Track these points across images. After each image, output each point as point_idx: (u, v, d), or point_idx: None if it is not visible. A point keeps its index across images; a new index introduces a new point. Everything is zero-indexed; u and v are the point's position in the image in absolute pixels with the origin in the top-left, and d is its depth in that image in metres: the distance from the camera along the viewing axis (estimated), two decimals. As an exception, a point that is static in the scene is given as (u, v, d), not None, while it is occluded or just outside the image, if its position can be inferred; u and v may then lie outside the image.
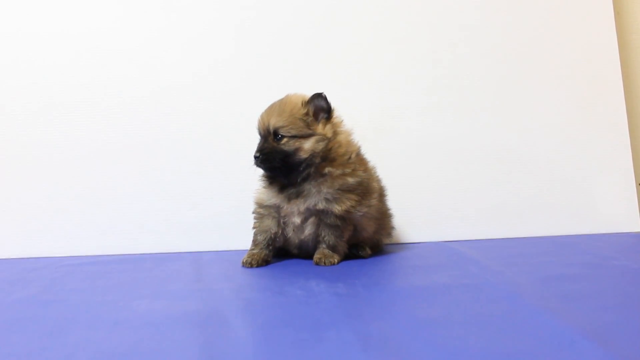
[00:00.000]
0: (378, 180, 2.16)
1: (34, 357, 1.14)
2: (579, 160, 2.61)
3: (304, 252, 2.09)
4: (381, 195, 2.17)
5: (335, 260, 1.97)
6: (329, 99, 1.97)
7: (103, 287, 1.74)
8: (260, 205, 2.05)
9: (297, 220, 1.99)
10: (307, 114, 1.95)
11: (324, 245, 2.00)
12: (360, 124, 2.31)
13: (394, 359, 1.07)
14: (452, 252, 2.16)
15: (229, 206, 2.40)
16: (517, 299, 1.45)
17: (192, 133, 2.44)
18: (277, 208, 2.01)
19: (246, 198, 2.12)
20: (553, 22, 2.64)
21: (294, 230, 2.02)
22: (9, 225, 2.36)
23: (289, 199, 1.97)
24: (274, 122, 1.93)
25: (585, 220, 2.57)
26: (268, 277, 1.84)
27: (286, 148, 1.92)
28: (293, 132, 1.92)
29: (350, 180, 1.97)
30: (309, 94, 1.97)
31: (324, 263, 1.95)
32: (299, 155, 1.92)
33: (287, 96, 2.01)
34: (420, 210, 2.51)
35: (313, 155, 1.93)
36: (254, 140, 1.99)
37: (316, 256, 1.99)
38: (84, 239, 2.37)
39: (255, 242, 2.05)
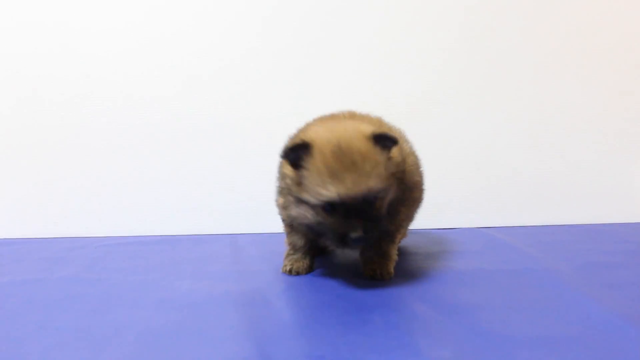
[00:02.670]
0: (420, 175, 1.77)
1: (83, 334, 1.17)
2: (618, 147, 2.55)
3: None
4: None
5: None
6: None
7: (144, 267, 1.76)
8: (287, 220, 1.60)
9: None
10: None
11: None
12: (397, 109, 2.30)
13: (439, 343, 1.07)
14: (489, 238, 2.14)
15: (264, 189, 2.40)
16: (560, 285, 1.44)
17: (229, 118, 2.44)
18: None
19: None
20: (589, 8, 2.58)
21: None
22: (47, 205, 2.41)
23: None
24: (374, 185, 1.30)
25: (624, 208, 2.52)
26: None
27: (383, 213, 1.39)
28: (387, 191, 1.39)
29: None
30: (363, 126, 1.42)
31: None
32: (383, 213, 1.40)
33: (351, 141, 1.31)
34: (455, 195, 2.49)
35: None
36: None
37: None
38: (121, 220, 2.41)
39: (294, 247, 1.66)
